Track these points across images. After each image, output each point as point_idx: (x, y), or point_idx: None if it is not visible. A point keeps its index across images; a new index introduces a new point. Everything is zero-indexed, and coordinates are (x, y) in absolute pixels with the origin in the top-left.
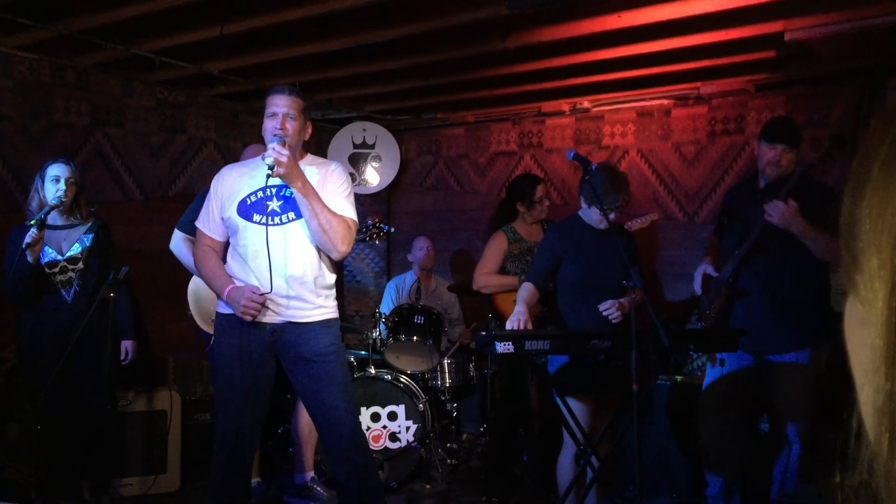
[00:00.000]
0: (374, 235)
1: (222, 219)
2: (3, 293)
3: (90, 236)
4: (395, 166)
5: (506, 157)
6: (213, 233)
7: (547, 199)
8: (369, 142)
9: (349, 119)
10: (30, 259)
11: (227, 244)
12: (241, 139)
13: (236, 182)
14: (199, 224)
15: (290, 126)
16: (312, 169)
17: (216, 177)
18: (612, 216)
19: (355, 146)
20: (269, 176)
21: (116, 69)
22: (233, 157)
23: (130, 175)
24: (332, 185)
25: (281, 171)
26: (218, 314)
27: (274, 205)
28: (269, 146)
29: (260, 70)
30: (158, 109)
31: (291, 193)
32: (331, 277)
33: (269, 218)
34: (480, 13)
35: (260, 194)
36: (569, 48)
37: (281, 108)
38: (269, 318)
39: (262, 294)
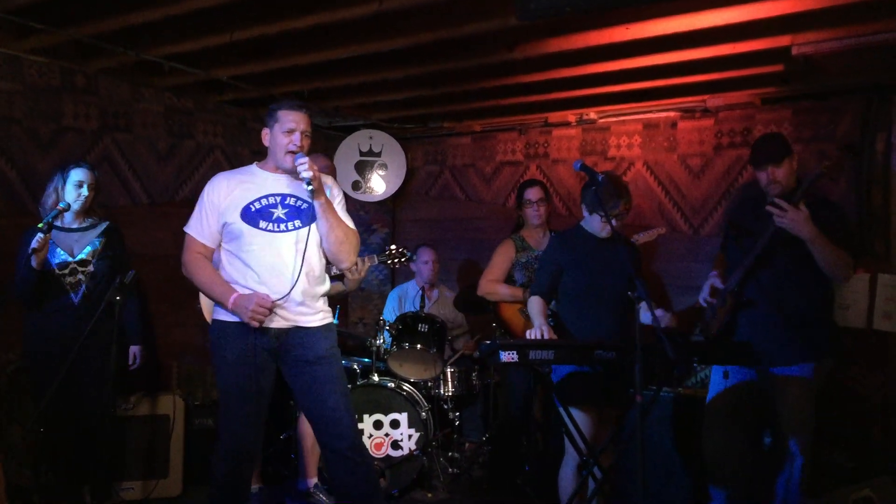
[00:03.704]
0: (397, 260)
1: (224, 224)
2: (10, 294)
3: (101, 240)
4: (401, 174)
5: (511, 167)
6: (207, 240)
7: (542, 203)
8: (375, 150)
9: (356, 127)
10: (34, 264)
11: (213, 251)
12: (248, 146)
13: (235, 189)
14: (190, 231)
15: (306, 144)
16: None
17: (209, 185)
18: (614, 223)
19: (362, 154)
20: (311, 191)
21: (126, 74)
22: (240, 163)
23: (138, 180)
24: (336, 200)
25: (315, 185)
26: (217, 322)
27: (279, 212)
28: (299, 161)
29: (268, 77)
30: (167, 115)
31: (296, 202)
32: (327, 284)
33: (276, 225)
34: (488, 23)
35: (264, 202)
36: (576, 59)
37: (301, 125)
38: (274, 323)
39: (271, 300)
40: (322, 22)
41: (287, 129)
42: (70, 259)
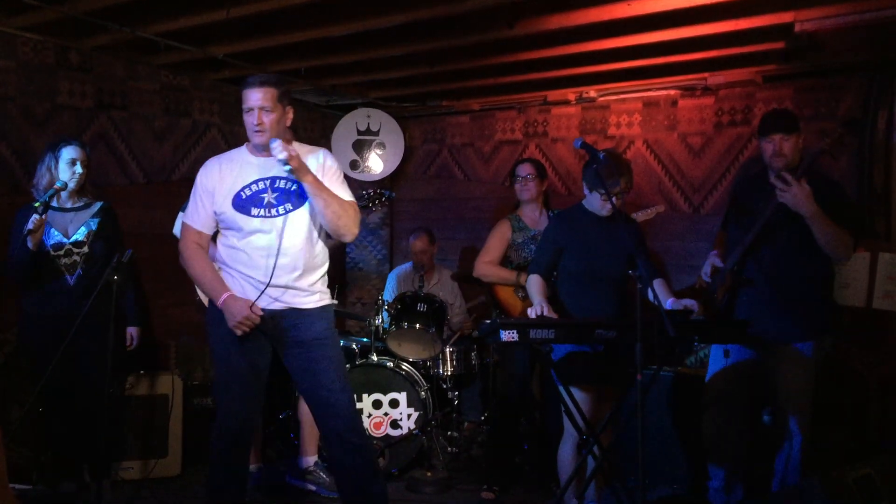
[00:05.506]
0: (376, 202)
1: (215, 213)
2: (5, 275)
3: (97, 220)
4: (399, 154)
5: (510, 146)
6: (202, 227)
7: (532, 178)
8: (373, 129)
9: (354, 105)
10: (30, 245)
11: (212, 237)
12: (244, 124)
13: (226, 176)
14: (186, 219)
15: (267, 120)
16: (306, 157)
17: (202, 171)
18: (614, 200)
19: (359, 133)
20: (288, 171)
21: (121, 52)
22: (237, 141)
23: (134, 159)
24: (331, 175)
25: (294, 164)
26: (213, 303)
27: (269, 197)
28: (273, 145)
29: (265, 55)
30: (163, 93)
31: (286, 185)
32: (324, 265)
33: (267, 210)
34: (487, 0)
35: (254, 187)
36: (576, 36)
37: (258, 102)
38: (269, 305)
39: (260, 313)
40: None
41: (246, 108)
42: (65, 240)
